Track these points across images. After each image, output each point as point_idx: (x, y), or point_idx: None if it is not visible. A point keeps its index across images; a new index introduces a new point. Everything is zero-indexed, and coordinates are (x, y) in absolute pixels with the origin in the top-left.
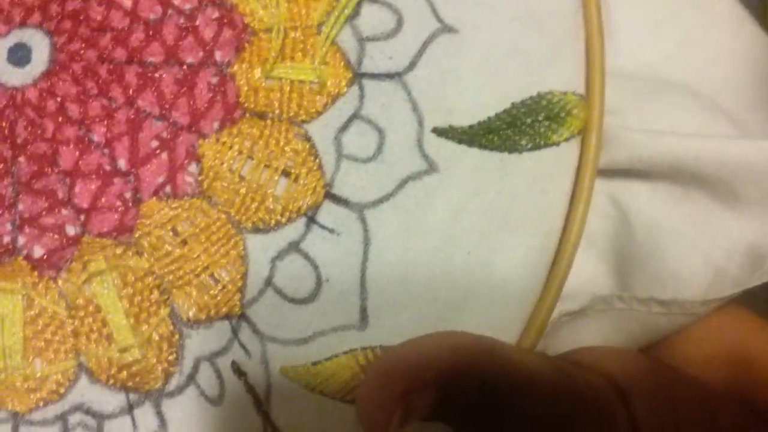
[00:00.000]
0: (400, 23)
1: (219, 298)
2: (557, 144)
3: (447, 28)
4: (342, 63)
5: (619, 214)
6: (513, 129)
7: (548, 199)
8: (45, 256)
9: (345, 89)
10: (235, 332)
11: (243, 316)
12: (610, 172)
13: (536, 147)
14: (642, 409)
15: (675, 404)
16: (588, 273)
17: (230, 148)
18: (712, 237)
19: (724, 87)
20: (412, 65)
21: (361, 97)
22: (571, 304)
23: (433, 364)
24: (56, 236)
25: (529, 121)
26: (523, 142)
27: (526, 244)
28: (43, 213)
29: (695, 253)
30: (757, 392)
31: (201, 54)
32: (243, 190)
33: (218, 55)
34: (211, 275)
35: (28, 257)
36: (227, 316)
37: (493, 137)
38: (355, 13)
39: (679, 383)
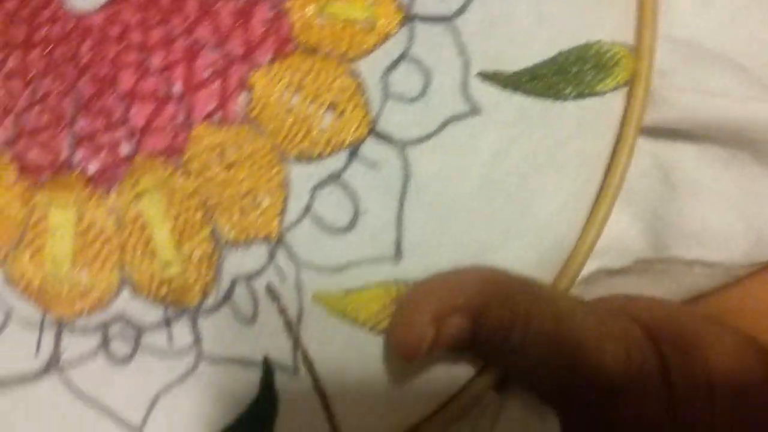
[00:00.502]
0: None
1: (259, 221)
2: (603, 94)
3: None
4: (394, 4)
5: (661, 174)
6: (558, 77)
7: (590, 148)
8: (99, 173)
9: (396, 30)
10: (272, 255)
11: (281, 241)
12: (656, 132)
13: (581, 95)
14: (673, 357)
15: (706, 353)
16: (623, 229)
17: (280, 80)
18: (757, 201)
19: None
20: (463, 9)
21: (411, 38)
22: (610, 261)
23: (467, 292)
24: (111, 153)
25: (575, 69)
26: (568, 90)
27: (566, 189)
28: (100, 131)
29: (739, 216)
30: None
31: None
32: (290, 121)
33: None
34: (254, 199)
35: (83, 173)
36: (265, 239)
37: (538, 84)
38: None
39: (714, 333)
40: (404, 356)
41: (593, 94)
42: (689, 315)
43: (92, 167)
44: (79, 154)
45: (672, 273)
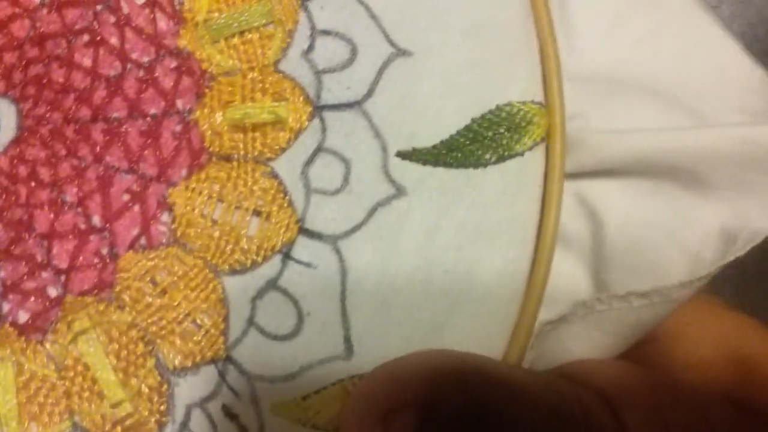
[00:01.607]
0: (354, 52)
1: (203, 343)
2: (521, 153)
3: (402, 52)
4: (301, 98)
5: (588, 214)
6: (476, 144)
7: (519, 208)
8: (30, 321)
9: (306, 123)
10: (222, 375)
11: (229, 359)
12: (578, 175)
13: (501, 159)
14: (632, 422)
15: (667, 415)
16: (567, 277)
17: (200, 193)
18: (685, 225)
19: (680, 79)
20: (371, 93)
21: (324, 129)
22: (550, 313)
23: (413, 384)
24: (39, 299)
25: (490, 134)
26: (488, 156)
27: (503, 254)
28: (25, 278)
29: (670, 242)
30: (759, 394)
31: (163, 104)
32: (216, 234)
33: (180, 103)
34: (194, 321)
35: (13, 323)
36: (213, 360)
37: (457, 154)
38: (310, 47)
39: (673, 392)
40: None
41: (512, 155)
42: (648, 377)
43: (23, 315)
44: (7, 305)
45: (613, 313)
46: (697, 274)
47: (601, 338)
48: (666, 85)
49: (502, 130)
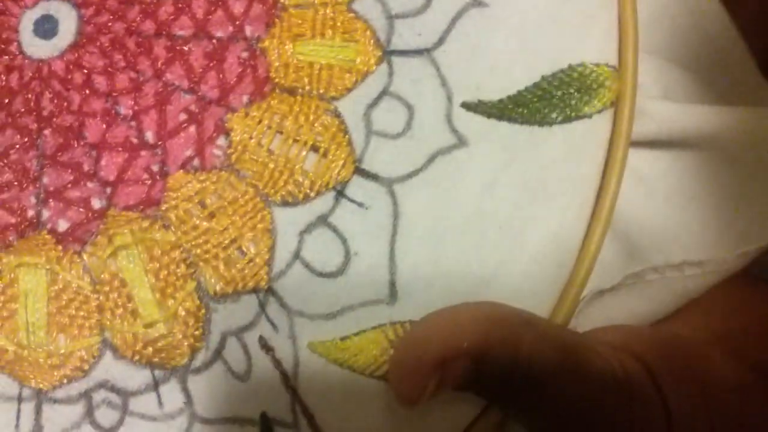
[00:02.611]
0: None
1: (246, 271)
2: (589, 116)
3: (476, 2)
4: (371, 41)
5: (636, 185)
6: (543, 102)
7: (580, 172)
8: (70, 230)
9: (374, 67)
10: (262, 306)
11: (270, 290)
12: (634, 143)
13: (567, 119)
14: (674, 395)
15: (706, 388)
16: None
17: (259, 122)
18: (734, 198)
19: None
20: (441, 41)
21: (390, 74)
22: (602, 282)
23: (469, 334)
24: (81, 209)
25: (559, 93)
26: (554, 115)
27: (559, 216)
28: (69, 186)
29: (719, 213)
30: None
31: (231, 28)
32: (272, 164)
33: (248, 30)
34: (239, 248)
35: (52, 231)
36: (254, 290)
37: (523, 110)
38: None
39: (702, 360)
40: (406, 403)
41: (579, 117)
42: (688, 349)
43: (62, 225)
44: (47, 212)
45: (662, 282)
46: (751, 244)
47: (643, 307)
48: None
49: (572, 90)
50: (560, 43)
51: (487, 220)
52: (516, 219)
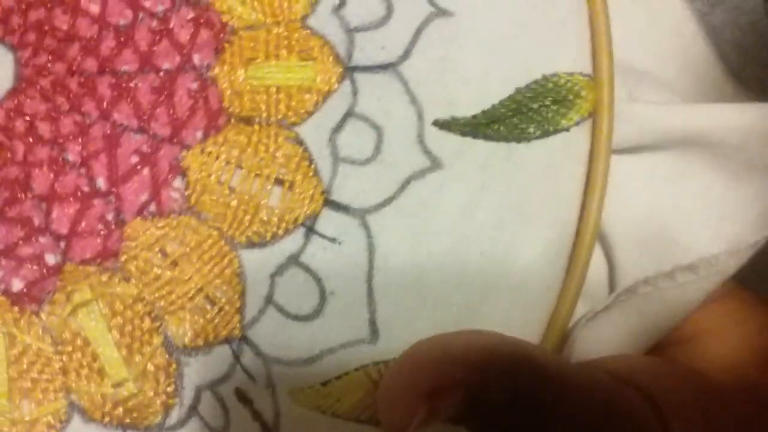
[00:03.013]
0: (390, 10)
1: (217, 321)
2: (567, 129)
3: (441, 12)
4: (330, 57)
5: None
6: (519, 116)
7: (562, 188)
8: (25, 289)
9: (336, 85)
10: (236, 356)
11: (244, 339)
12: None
13: (545, 134)
14: (679, 426)
15: (710, 418)
16: (603, 264)
17: (217, 158)
18: (721, 197)
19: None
20: (407, 54)
21: (354, 92)
22: (593, 302)
23: (463, 363)
24: (35, 267)
25: (535, 106)
26: (531, 130)
27: (544, 236)
28: (20, 242)
29: (706, 213)
30: None
31: (178, 58)
32: (234, 203)
33: (197, 59)
34: (206, 297)
35: (6, 292)
36: (227, 340)
37: (499, 127)
38: (341, 2)
39: (713, 393)
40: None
41: (558, 130)
42: (692, 378)
43: (17, 284)
44: (0, 272)
45: (656, 294)
46: (742, 243)
47: (640, 325)
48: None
49: (548, 103)
50: (532, 52)
51: (469, 247)
52: (499, 243)
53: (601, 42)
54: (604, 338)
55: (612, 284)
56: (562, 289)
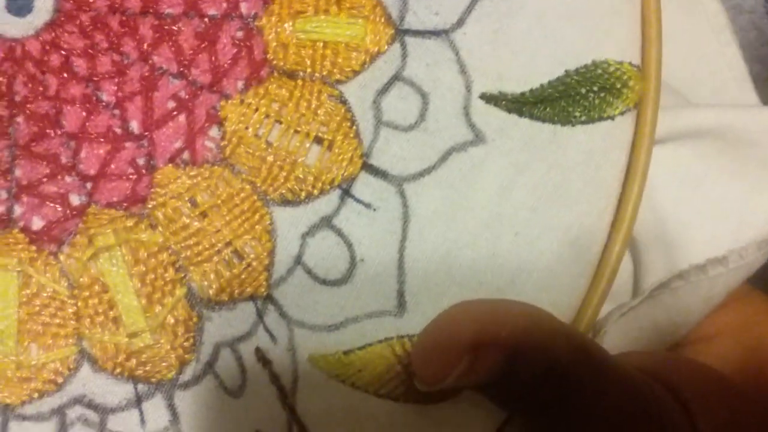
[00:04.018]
0: None
1: (243, 276)
2: (612, 118)
3: None
4: (382, 18)
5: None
6: (567, 99)
7: (602, 176)
8: (45, 228)
9: (385, 47)
10: (260, 315)
11: (269, 298)
12: None
13: (590, 120)
14: (705, 424)
15: (735, 418)
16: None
17: (256, 110)
18: (747, 190)
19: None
20: (461, 22)
21: (404, 56)
22: (617, 299)
23: (508, 326)
24: (58, 206)
25: (583, 91)
26: (577, 114)
27: (579, 222)
28: (44, 179)
29: (732, 207)
30: None
31: (224, 5)
32: (270, 158)
33: (244, 7)
34: (234, 251)
35: (25, 229)
36: (252, 298)
37: (546, 107)
38: None
39: (738, 394)
40: (427, 383)
41: (603, 118)
42: (720, 379)
43: (37, 222)
44: (20, 208)
45: (687, 288)
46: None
47: (668, 319)
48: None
49: (595, 89)
50: (583, 36)
51: (504, 226)
52: (533, 225)
53: (651, 34)
54: (632, 333)
55: (637, 282)
56: (593, 278)
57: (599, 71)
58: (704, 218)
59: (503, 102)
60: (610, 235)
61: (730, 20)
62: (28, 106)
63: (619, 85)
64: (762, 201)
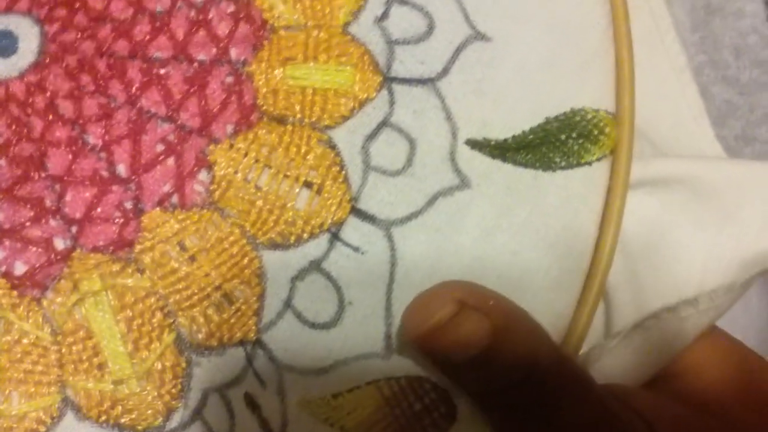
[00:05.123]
0: (431, 27)
1: (233, 321)
2: (590, 163)
3: (480, 36)
4: (370, 66)
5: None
6: (547, 146)
7: (580, 220)
8: (28, 273)
9: (374, 93)
10: (249, 360)
11: (259, 342)
12: None
13: (569, 166)
14: None
15: None
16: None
17: (245, 155)
18: (714, 234)
19: (648, 124)
20: (446, 71)
21: (392, 102)
22: (599, 336)
23: (494, 300)
24: (42, 250)
25: (563, 137)
26: (557, 160)
27: (559, 266)
28: (27, 223)
29: (703, 251)
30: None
31: (214, 51)
32: (260, 202)
33: (233, 53)
34: (224, 296)
35: (7, 274)
36: (241, 342)
37: (528, 153)
38: (384, 14)
39: (704, 423)
40: (410, 327)
41: (581, 164)
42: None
43: (19, 267)
44: (2, 252)
45: (660, 326)
46: (738, 280)
47: (638, 359)
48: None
49: (575, 135)
50: (561, 85)
51: (486, 268)
52: (515, 268)
53: (625, 83)
54: (604, 373)
55: (608, 322)
56: (572, 317)
57: (578, 118)
58: (671, 264)
59: (487, 148)
60: (588, 276)
61: (730, 27)
62: (12, 148)
63: (596, 132)
64: (723, 250)
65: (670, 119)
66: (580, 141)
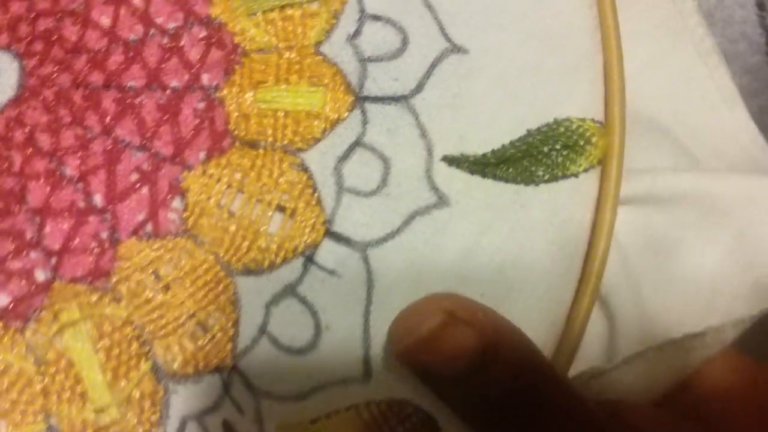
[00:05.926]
0: (405, 42)
1: (208, 348)
2: (576, 175)
3: (456, 48)
4: (342, 86)
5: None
6: (529, 159)
7: (567, 235)
8: (11, 305)
9: (345, 114)
10: (226, 387)
11: (235, 369)
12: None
13: (553, 178)
14: None
15: None
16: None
17: (218, 180)
18: (725, 252)
19: (677, 119)
20: (420, 87)
21: (364, 122)
22: (592, 354)
23: (483, 315)
24: (24, 282)
25: (545, 150)
26: (540, 173)
27: (544, 283)
28: (9, 256)
29: (706, 284)
30: None
31: (186, 77)
32: (233, 228)
33: (205, 78)
34: (199, 323)
35: None
36: (217, 369)
37: (508, 168)
38: (357, 32)
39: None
40: (398, 336)
41: (566, 176)
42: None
43: (2, 299)
44: None
45: (661, 357)
46: (758, 306)
47: (640, 385)
48: (666, 125)
49: (558, 147)
50: (544, 95)
51: (469, 288)
52: (499, 287)
53: (614, 90)
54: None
55: (612, 341)
56: (560, 340)
57: (561, 129)
58: (678, 285)
59: (465, 164)
60: (576, 294)
61: (720, 34)
62: None
63: (582, 142)
64: (733, 272)
65: (700, 106)
66: (565, 152)
